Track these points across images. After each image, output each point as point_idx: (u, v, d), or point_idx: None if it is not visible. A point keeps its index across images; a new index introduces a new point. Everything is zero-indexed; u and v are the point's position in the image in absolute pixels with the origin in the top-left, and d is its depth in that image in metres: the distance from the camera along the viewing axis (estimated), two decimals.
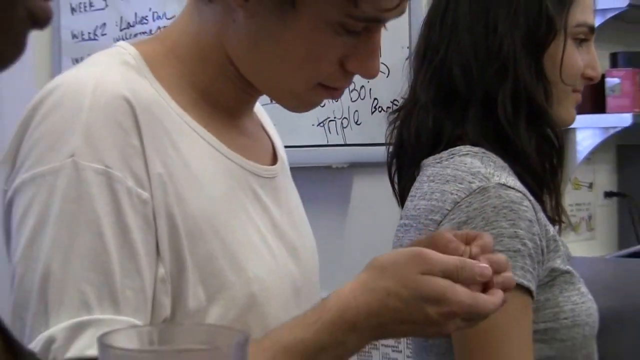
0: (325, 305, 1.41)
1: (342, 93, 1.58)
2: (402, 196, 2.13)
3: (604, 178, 4.46)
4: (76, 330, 1.27)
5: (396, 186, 2.18)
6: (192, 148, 1.46)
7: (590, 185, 4.35)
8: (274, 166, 1.65)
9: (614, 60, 4.19)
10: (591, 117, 3.95)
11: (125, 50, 1.51)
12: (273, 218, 1.58)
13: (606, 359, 2.19)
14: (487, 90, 1.98)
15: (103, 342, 0.89)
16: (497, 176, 1.87)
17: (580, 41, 2.06)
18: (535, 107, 1.98)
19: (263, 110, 1.78)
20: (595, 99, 4.00)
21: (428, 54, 2.07)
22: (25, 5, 0.76)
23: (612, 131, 4.01)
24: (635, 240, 4.30)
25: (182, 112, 1.48)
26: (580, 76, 2.06)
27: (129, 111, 1.37)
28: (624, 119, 3.94)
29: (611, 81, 4.03)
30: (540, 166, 2.00)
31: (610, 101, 4.02)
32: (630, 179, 4.48)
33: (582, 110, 3.70)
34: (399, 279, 1.39)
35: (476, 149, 1.95)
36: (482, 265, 1.39)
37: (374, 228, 2.59)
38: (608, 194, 4.46)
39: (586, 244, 4.22)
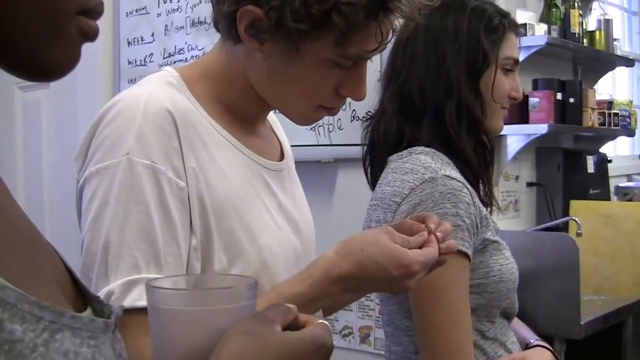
0: (316, 265, 1.42)
1: (337, 111, 1.57)
2: (373, 183, 2.13)
3: (527, 172, 4.45)
4: (129, 286, 1.29)
5: (369, 175, 2.18)
6: (218, 147, 1.46)
7: (517, 178, 4.33)
8: (281, 162, 1.64)
9: (535, 85, 4.21)
10: (518, 126, 3.99)
11: (170, 73, 1.52)
12: (279, 201, 1.57)
13: (526, 306, 2.20)
14: (437, 105, 1.99)
15: (150, 285, 0.95)
16: (444, 170, 1.88)
17: (507, 71, 2.06)
18: (473, 119, 2.00)
19: (275, 118, 1.77)
20: (520, 113, 4.03)
21: (393, 76, 2.07)
22: (76, 24, 0.76)
23: (533, 137, 4.03)
24: (549, 218, 4.33)
25: (212, 119, 1.48)
26: (506, 97, 2.07)
27: (171, 120, 1.38)
28: (542, 128, 3.98)
29: (533, 100, 4.06)
30: (477, 162, 2.01)
31: (532, 115, 4.05)
32: (546, 173, 4.48)
33: (511, 121, 3.80)
34: (370, 240, 1.41)
35: (428, 149, 1.96)
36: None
37: (353, 208, 2.61)
38: (529, 184, 4.44)
39: (513, 220, 4.23)
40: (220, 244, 1.40)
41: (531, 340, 2.14)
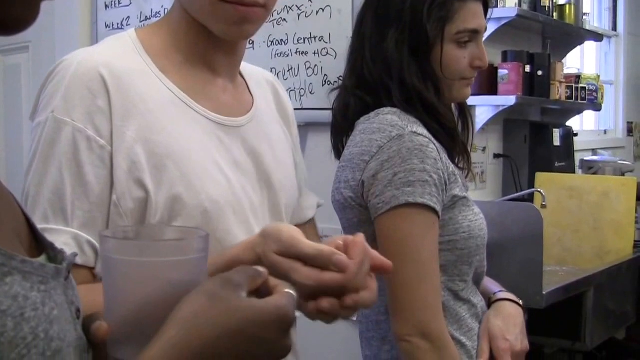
0: (223, 255, 1.34)
1: (246, 10, 1.48)
2: (336, 149, 2.14)
3: (494, 144, 4.46)
4: None
5: (332, 146, 2.17)
6: (163, 104, 1.46)
7: (484, 149, 4.34)
8: (240, 118, 1.59)
9: (505, 56, 4.23)
10: (487, 97, 4.02)
11: (127, 34, 1.54)
12: (235, 157, 1.54)
13: (490, 275, 2.17)
14: (385, 87, 1.97)
15: (103, 235, 0.96)
16: (410, 127, 1.87)
17: (466, 42, 1.99)
18: (426, 103, 1.95)
19: (258, 78, 1.74)
20: (489, 85, 4.05)
21: (350, 54, 2.08)
22: None
23: (501, 108, 4.05)
24: (514, 190, 4.35)
25: (163, 76, 1.48)
26: (468, 68, 2.00)
27: (100, 80, 1.40)
28: (510, 100, 4.01)
29: (502, 72, 4.08)
30: (445, 137, 1.98)
31: (500, 86, 4.07)
32: (513, 145, 4.50)
33: (479, 92, 3.86)
34: (271, 244, 1.24)
35: (395, 109, 1.93)
36: (339, 257, 1.13)
37: (322, 172, 2.57)
38: (496, 156, 4.47)
39: (480, 192, 4.24)
40: (159, 199, 1.40)
41: (495, 292, 2.10)
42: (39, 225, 1.21)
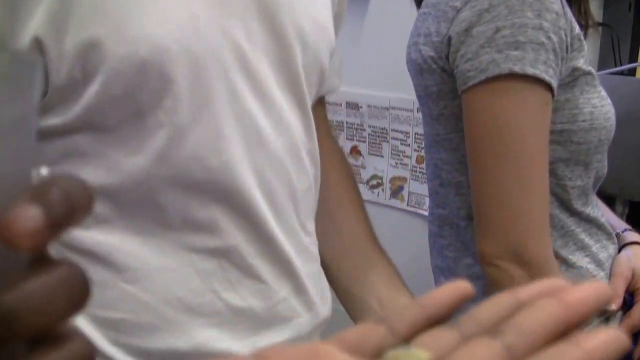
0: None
1: None
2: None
3: (593, 11, 4.04)
4: None
5: None
6: None
7: None
8: None
9: None
10: None
11: None
12: None
13: None
14: None
15: None
16: None
17: None
18: None
19: None
20: None
21: None
22: None
23: None
24: (613, 64, 4.13)
25: None
26: None
27: None
28: None
29: None
30: None
31: None
32: (615, 13, 4.32)
33: None
34: None
35: None
36: None
37: (395, 25, 2.11)
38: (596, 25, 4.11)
39: None
40: (65, 48, 0.89)
41: (621, 230, 1.69)
42: None
